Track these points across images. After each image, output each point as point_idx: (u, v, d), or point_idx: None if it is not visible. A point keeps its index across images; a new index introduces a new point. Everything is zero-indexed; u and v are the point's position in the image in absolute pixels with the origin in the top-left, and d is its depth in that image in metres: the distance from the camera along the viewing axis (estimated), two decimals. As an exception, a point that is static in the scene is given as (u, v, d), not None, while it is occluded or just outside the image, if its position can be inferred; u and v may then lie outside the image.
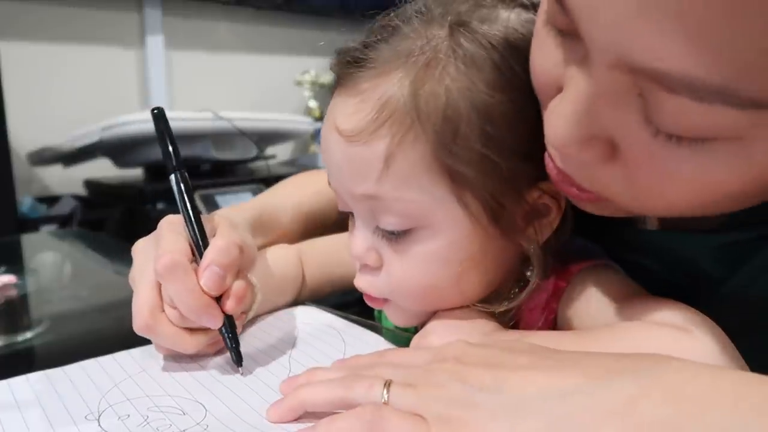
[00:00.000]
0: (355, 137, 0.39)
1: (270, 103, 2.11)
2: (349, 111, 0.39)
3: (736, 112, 0.25)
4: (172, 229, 0.44)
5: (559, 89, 0.32)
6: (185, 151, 1.62)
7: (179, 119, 1.52)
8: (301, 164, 1.92)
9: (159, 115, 0.46)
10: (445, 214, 0.39)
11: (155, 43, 1.90)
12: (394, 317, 0.46)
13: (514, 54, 0.38)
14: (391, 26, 0.40)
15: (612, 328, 0.37)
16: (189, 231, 0.44)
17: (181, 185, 0.46)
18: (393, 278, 0.42)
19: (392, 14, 0.42)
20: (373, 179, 0.39)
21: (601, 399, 0.26)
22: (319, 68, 2.16)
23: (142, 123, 1.36)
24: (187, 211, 0.44)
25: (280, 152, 1.97)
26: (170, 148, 0.46)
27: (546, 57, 0.34)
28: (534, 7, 0.40)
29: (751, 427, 0.23)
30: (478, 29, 0.38)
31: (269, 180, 1.52)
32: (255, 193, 1.45)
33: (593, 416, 0.26)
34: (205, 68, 2.05)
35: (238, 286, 0.43)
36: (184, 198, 0.45)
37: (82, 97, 1.76)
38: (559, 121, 0.31)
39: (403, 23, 0.40)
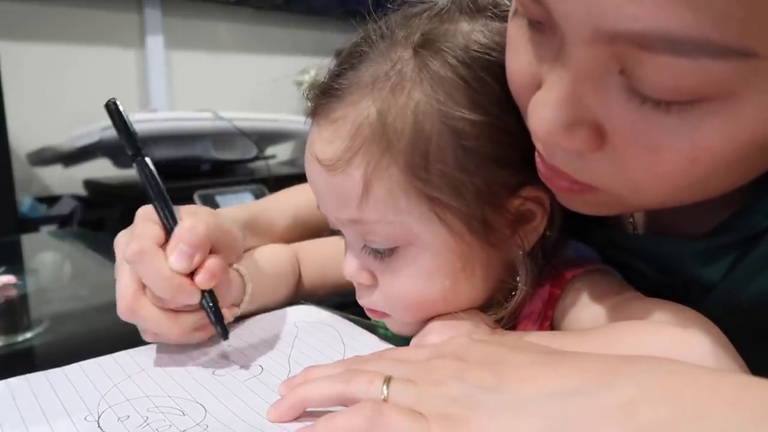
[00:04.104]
0: (333, 166, 0.40)
1: (270, 103, 2.10)
2: (325, 141, 0.41)
3: (718, 64, 0.25)
4: (146, 217, 0.45)
5: (538, 87, 0.32)
6: (185, 151, 1.62)
7: (179, 119, 1.52)
8: (301, 164, 1.91)
9: (111, 107, 0.45)
10: (428, 232, 0.40)
11: (155, 43, 1.90)
12: (394, 328, 0.47)
13: (482, 65, 0.39)
14: (358, 53, 0.41)
15: (612, 327, 0.37)
16: (159, 214, 0.44)
17: (145, 170, 0.45)
18: (386, 295, 0.44)
19: (359, 40, 0.42)
20: (355, 205, 0.40)
21: (602, 400, 0.26)
22: (319, 68, 2.16)
23: (142, 123, 1.37)
24: (153, 194, 0.44)
25: (280, 152, 1.97)
26: (128, 136, 0.45)
27: (521, 56, 0.34)
28: (499, 17, 0.41)
29: (750, 431, 0.23)
30: (442, 47, 0.39)
31: (269, 180, 1.52)
32: (255, 193, 1.45)
33: (593, 417, 0.26)
34: (205, 68, 2.04)
35: (211, 262, 0.43)
36: (149, 182, 0.45)
37: (82, 97, 1.75)
38: (543, 110, 0.31)
39: (369, 49, 0.41)
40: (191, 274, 0.43)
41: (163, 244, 0.43)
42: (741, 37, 0.24)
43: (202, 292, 0.43)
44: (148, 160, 0.45)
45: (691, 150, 0.29)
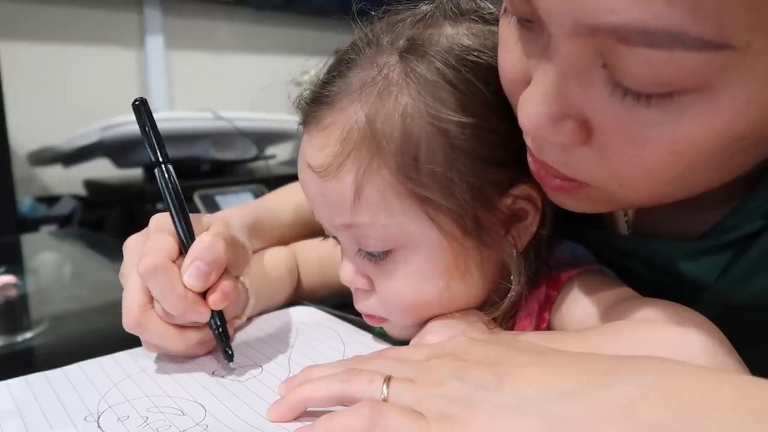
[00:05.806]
0: (325, 172, 0.40)
1: (270, 103, 2.10)
2: (316, 148, 0.41)
3: (693, 56, 0.25)
4: (159, 227, 0.43)
5: (528, 83, 0.33)
6: (185, 151, 1.62)
7: (179, 119, 1.52)
8: (300, 164, 1.92)
9: (141, 107, 0.44)
10: (421, 233, 0.40)
11: (155, 43, 1.90)
12: (393, 333, 0.47)
13: (468, 67, 0.39)
14: (346, 60, 0.42)
15: (610, 327, 0.37)
16: (175, 226, 0.43)
17: (167, 179, 0.44)
18: (383, 298, 0.44)
19: (346, 48, 0.43)
20: (348, 210, 0.40)
21: (602, 401, 0.26)
22: (319, 68, 2.16)
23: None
24: (172, 205, 0.43)
25: (280, 152, 1.97)
26: (154, 141, 0.44)
27: (511, 53, 0.34)
28: (483, 20, 0.41)
29: (750, 431, 0.23)
30: (428, 51, 0.39)
31: (269, 180, 1.52)
32: (255, 193, 1.45)
33: (593, 418, 0.26)
34: (205, 68, 2.05)
35: (225, 283, 0.43)
36: (169, 192, 0.44)
37: (82, 97, 1.76)
38: (530, 105, 0.32)
39: (356, 56, 0.41)
40: (203, 291, 0.42)
41: (177, 258, 0.42)
42: (714, 28, 0.24)
43: (212, 311, 0.42)
44: (171, 168, 0.44)
45: (672, 142, 0.29)
